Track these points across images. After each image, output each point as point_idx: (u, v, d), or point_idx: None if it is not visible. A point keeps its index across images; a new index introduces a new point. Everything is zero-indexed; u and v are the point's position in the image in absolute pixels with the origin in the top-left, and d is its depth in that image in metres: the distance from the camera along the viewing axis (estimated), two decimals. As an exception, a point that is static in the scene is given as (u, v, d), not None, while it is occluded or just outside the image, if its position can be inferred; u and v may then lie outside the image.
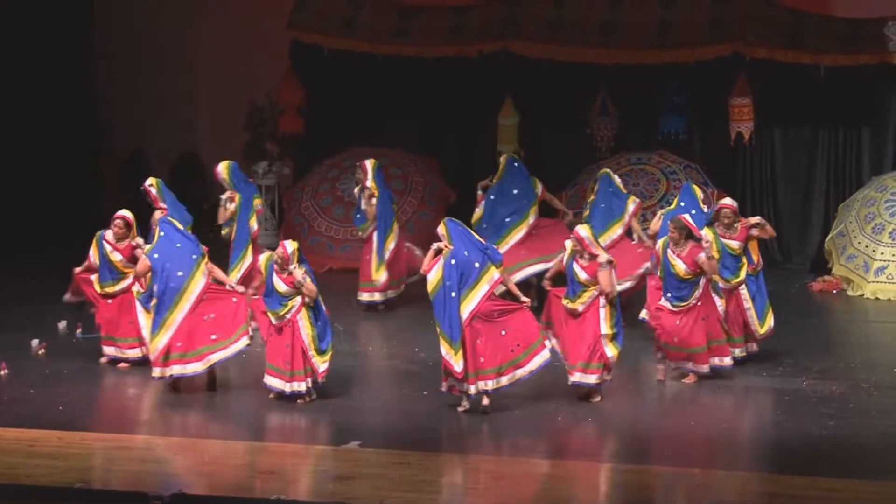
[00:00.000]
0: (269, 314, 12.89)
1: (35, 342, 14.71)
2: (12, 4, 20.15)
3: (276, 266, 12.85)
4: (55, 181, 20.65)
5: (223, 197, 16.00)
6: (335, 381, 13.31)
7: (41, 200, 20.48)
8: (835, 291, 18.02)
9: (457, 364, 12.25)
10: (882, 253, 17.73)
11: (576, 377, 12.86)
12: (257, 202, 16.15)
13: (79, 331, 15.15)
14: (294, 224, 19.53)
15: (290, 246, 12.86)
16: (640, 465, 11.41)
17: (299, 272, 12.73)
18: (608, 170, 16.78)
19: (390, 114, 20.45)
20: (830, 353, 14.98)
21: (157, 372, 13.13)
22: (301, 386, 12.76)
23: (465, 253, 12.46)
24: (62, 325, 15.39)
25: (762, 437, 12.15)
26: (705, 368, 13.46)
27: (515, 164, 16.80)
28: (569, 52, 19.55)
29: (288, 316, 12.76)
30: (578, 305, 12.85)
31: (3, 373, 13.84)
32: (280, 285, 12.80)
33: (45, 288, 17.28)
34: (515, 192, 16.60)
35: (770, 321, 14.20)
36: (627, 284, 15.27)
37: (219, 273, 13.51)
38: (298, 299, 12.77)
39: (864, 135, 19.23)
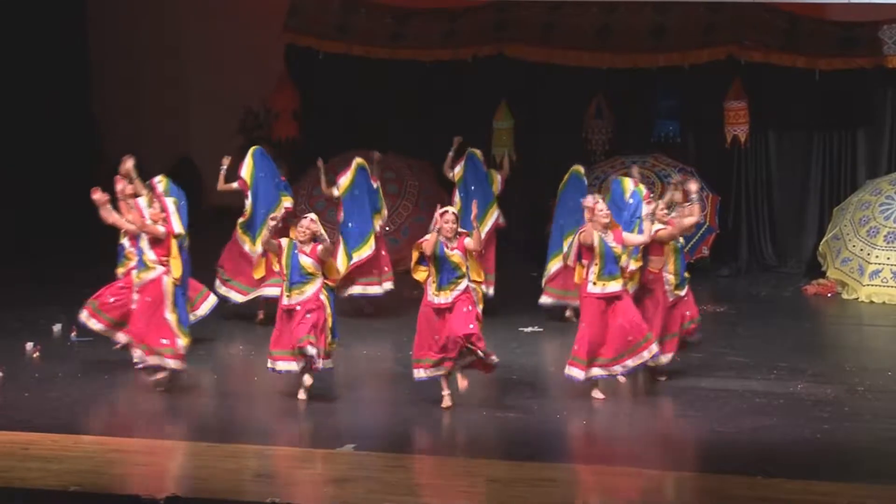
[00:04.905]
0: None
1: (30, 345, 14.70)
2: (6, 12, 20.12)
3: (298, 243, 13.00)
4: (51, 186, 20.61)
5: None
6: (331, 383, 13.31)
7: (37, 205, 20.44)
8: (829, 295, 18.03)
9: None
10: (877, 256, 17.74)
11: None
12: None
13: (73, 334, 15.13)
14: (288, 226, 19.50)
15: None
16: (633, 468, 11.41)
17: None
18: (579, 168, 16.87)
19: (385, 118, 20.46)
20: (825, 357, 14.99)
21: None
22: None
23: None
24: (57, 328, 15.38)
25: (756, 440, 12.14)
26: None
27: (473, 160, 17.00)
28: (564, 55, 19.60)
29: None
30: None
31: (-1, 374, 13.86)
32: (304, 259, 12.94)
33: (40, 291, 17.31)
34: (473, 188, 16.77)
35: None
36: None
37: None
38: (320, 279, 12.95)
39: (859, 138, 19.25)
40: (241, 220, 16.33)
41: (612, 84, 19.68)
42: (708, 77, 19.13)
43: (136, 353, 13.32)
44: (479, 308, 13.03)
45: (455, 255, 12.67)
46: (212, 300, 15.24)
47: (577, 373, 13.03)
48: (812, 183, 19.44)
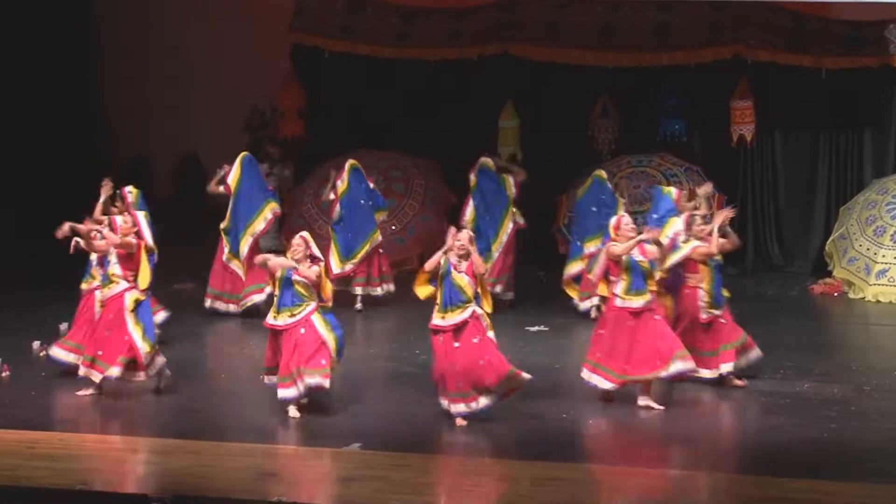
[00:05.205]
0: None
1: (36, 344, 14.69)
2: (11, 11, 20.11)
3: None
4: (53, 186, 20.60)
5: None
6: (336, 382, 13.30)
7: (37, 205, 20.41)
8: (836, 294, 18.01)
9: None
10: (883, 256, 17.72)
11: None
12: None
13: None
14: (295, 227, 19.51)
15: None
16: (640, 468, 11.41)
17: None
18: (602, 173, 16.87)
19: (391, 117, 20.47)
20: (831, 356, 14.97)
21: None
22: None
23: None
24: (63, 326, 15.36)
25: (763, 439, 12.13)
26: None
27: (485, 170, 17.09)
28: (569, 54, 19.58)
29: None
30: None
31: (5, 374, 13.85)
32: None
33: (46, 290, 17.30)
34: (487, 197, 16.86)
35: None
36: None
37: None
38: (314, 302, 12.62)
39: (865, 137, 19.22)
40: (222, 224, 16.51)
41: (617, 83, 19.65)
42: (714, 76, 19.10)
43: (82, 370, 13.19)
44: (491, 334, 12.44)
45: (461, 279, 12.24)
46: (160, 316, 15.01)
47: (598, 380, 12.93)
48: (818, 182, 19.41)
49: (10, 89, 20.22)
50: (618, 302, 12.84)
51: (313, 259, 12.67)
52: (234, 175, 16.52)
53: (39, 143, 20.67)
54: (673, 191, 14.24)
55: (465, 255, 12.32)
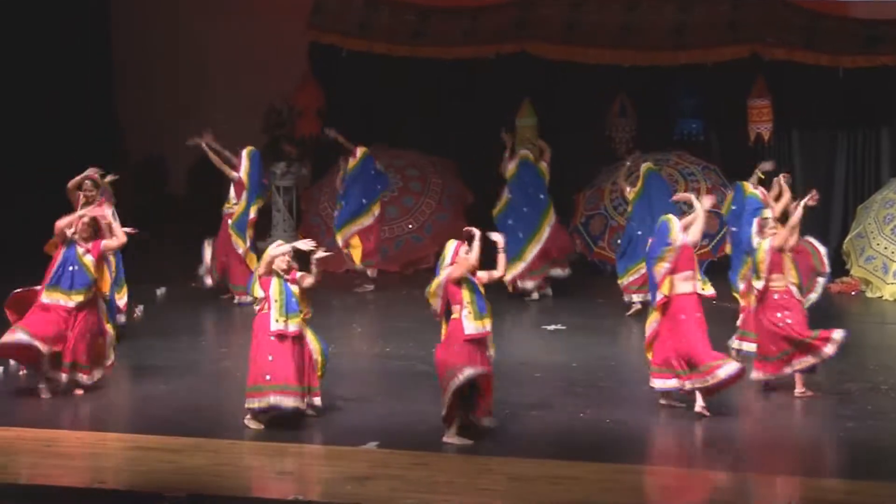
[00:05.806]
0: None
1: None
2: (32, 12, 20.14)
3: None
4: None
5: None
6: (352, 381, 13.32)
7: (54, 204, 20.41)
8: (853, 293, 17.99)
9: None
10: (901, 254, 17.71)
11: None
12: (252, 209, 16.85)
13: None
14: (312, 224, 19.60)
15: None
16: (654, 467, 11.40)
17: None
18: (651, 165, 16.79)
19: (408, 115, 20.48)
20: (848, 355, 14.87)
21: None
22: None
23: None
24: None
25: (779, 439, 12.11)
26: None
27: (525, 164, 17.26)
28: (586, 53, 19.59)
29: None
30: None
31: (22, 373, 13.87)
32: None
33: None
34: (530, 190, 17.13)
35: None
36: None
37: None
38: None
39: (883, 136, 19.21)
40: (231, 221, 16.71)
41: (633, 82, 19.66)
42: (731, 75, 19.10)
43: (59, 375, 13.05)
44: (492, 351, 11.96)
45: (481, 287, 11.78)
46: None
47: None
48: (836, 181, 19.40)
49: (27, 90, 20.25)
50: (707, 291, 12.72)
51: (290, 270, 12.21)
52: (244, 170, 16.78)
53: (54, 143, 20.69)
54: (759, 193, 14.39)
55: (473, 272, 11.93)
